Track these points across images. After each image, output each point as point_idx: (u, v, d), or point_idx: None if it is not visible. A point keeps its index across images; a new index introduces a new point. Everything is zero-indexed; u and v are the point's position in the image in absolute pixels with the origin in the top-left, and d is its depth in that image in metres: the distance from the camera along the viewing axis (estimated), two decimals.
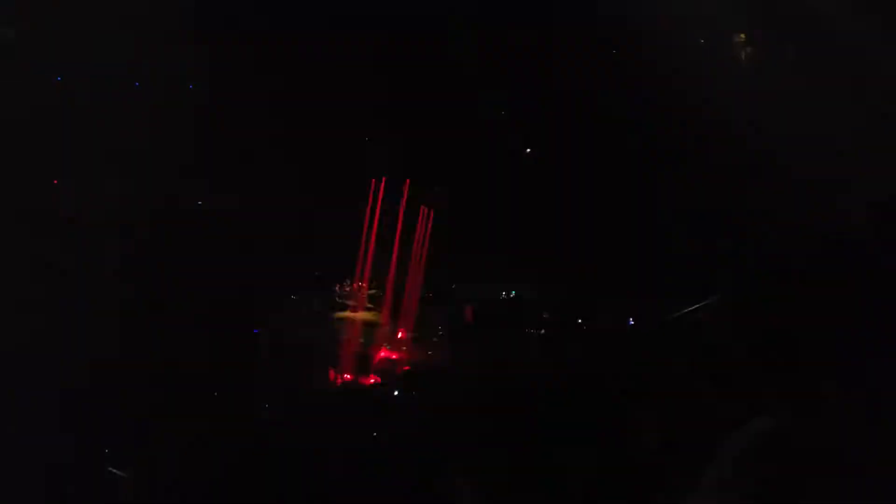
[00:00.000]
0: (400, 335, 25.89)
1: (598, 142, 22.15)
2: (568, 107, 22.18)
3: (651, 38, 20.50)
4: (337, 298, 30.17)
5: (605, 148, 22.14)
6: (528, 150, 25.27)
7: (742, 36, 22.39)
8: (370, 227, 30.01)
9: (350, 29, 22.55)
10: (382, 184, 26.84)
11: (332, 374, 24.08)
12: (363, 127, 25.68)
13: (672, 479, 1.91)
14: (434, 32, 21.98)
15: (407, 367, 23.29)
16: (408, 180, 25.54)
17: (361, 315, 29.39)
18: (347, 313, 29.54)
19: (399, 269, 29.36)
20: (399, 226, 28.13)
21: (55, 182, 24.68)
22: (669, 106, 19.79)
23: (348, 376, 24.24)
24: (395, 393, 13.64)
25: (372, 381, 22.67)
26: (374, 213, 29.86)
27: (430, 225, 27.51)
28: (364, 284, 30.24)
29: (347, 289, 30.16)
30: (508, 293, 27.70)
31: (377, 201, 29.35)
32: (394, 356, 25.60)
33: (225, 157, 26.62)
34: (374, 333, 27.23)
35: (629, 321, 21.02)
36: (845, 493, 1.80)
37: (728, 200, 19.65)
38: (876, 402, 2.05)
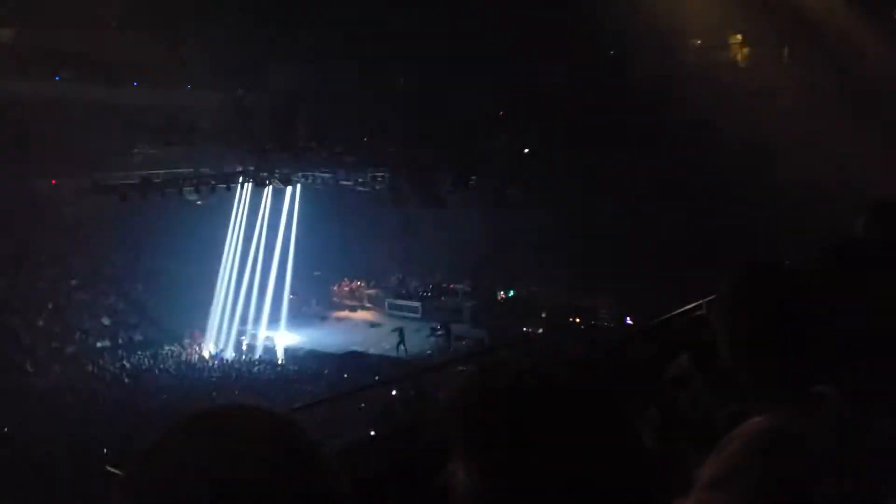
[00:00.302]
0: (399, 335, 25.82)
1: (597, 140, 22.15)
2: (566, 106, 22.18)
3: (653, 40, 20.51)
4: (335, 298, 30.22)
5: (603, 147, 22.14)
6: (526, 150, 25.30)
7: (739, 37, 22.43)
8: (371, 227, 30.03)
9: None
10: None
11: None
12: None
13: (668, 477, 1.90)
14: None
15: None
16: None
17: (360, 314, 29.42)
18: (346, 313, 29.58)
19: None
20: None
21: (53, 182, 24.69)
22: (667, 105, 19.80)
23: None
24: (394, 392, 13.62)
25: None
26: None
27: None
28: (362, 283, 30.27)
29: (346, 288, 30.20)
30: (506, 293, 27.74)
31: None
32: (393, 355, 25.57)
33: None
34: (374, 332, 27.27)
35: (626, 319, 21.04)
36: (845, 492, 1.79)
37: (726, 199, 19.66)
38: (876, 401, 2.04)
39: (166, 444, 0.85)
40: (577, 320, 24.61)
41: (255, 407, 0.90)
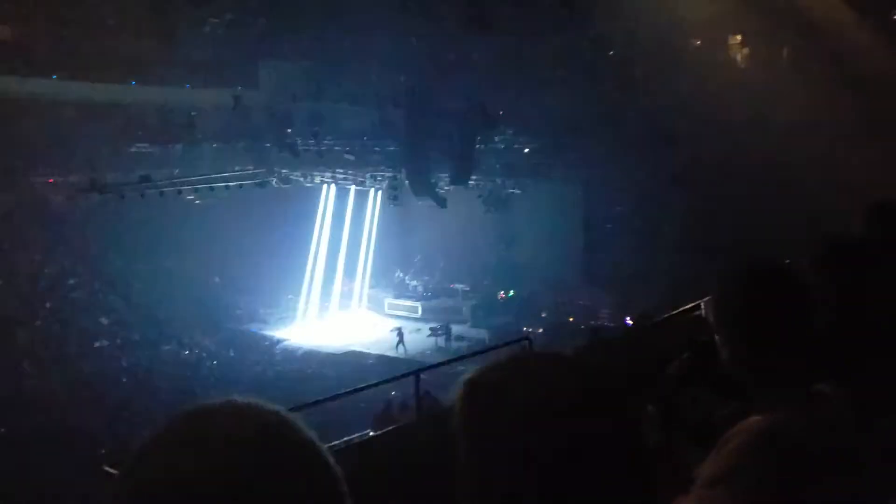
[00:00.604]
0: (398, 335, 25.83)
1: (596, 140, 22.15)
2: (566, 105, 22.18)
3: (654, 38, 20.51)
4: (334, 297, 30.21)
5: (602, 146, 22.15)
6: (527, 150, 25.29)
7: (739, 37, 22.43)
8: (371, 226, 30.10)
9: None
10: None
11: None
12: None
13: (669, 475, 1.90)
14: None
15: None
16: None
17: (360, 314, 29.43)
18: (345, 312, 29.58)
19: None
20: None
21: (50, 181, 24.68)
22: (666, 104, 19.80)
23: None
24: (393, 393, 13.61)
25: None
26: (373, 214, 29.96)
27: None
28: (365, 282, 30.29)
29: (345, 287, 30.19)
30: (506, 292, 27.74)
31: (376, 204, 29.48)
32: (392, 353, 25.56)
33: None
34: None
35: (626, 320, 21.03)
36: (844, 492, 1.79)
37: (727, 199, 19.66)
38: (876, 400, 2.04)
39: (160, 443, 0.85)
40: (578, 320, 24.61)
41: (251, 403, 0.89)
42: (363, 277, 30.37)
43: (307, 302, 29.67)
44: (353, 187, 28.66)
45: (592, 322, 23.56)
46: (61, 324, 24.07)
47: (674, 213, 21.84)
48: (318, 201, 29.77)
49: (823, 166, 16.44)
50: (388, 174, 26.31)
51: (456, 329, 25.93)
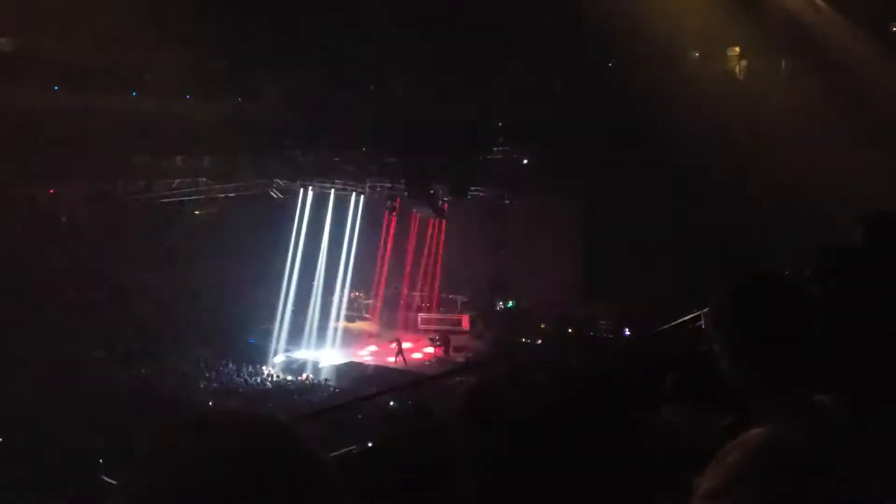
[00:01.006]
0: (395, 345, 25.80)
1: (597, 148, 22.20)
2: (565, 117, 22.25)
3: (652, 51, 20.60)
4: (333, 308, 30.15)
5: (602, 153, 22.19)
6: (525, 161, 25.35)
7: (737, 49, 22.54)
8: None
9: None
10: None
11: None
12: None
13: (667, 489, 1.90)
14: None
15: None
16: (398, 199, 25.91)
17: (359, 325, 29.37)
18: (344, 323, 29.51)
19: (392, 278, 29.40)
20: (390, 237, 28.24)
21: (51, 192, 24.71)
22: (665, 116, 19.84)
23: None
24: (391, 403, 13.60)
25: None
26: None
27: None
28: (361, 294, 30.23)
29: (348, 297, 30.13)
30: (505, 304, 27.73)
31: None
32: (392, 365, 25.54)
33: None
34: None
35: (625, 331, 21.03)
36: (843, 500, 1.79)
37: (723, 208, 19.68)
38: (874, 406, 2.04)
39: (160, 451, 0.85)
40: (577, 331, 24.58)
41: (252, 412, 0.89)
42: (369, 288, 30.36)
43: (308, 312, 29.62)
44: (353, 197, 28.67)
45: (592, 333, 23.54)
46: (59, 334, 24.01)
47: (674, 225, 21.84)
48: (321, 210, 29.76)
49: (823, 177, 16.47)
50: (387, 185, 26.35)
51: (454, 340, 25.90)
